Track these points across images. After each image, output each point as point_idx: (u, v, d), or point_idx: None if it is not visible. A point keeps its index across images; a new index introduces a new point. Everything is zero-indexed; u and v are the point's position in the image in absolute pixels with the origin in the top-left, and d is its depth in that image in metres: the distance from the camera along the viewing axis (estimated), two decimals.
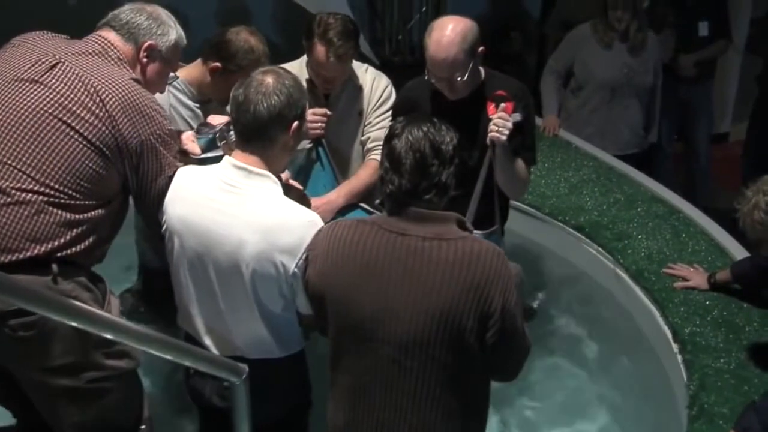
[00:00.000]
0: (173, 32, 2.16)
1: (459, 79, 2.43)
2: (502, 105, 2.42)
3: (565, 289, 3.23)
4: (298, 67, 2.82)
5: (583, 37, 3.95)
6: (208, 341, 2.09)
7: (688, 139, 4.84)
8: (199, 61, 2.67)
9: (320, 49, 2.67)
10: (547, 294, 3.18)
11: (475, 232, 2.48)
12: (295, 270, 1.92)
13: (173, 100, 2.66)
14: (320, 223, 1.96)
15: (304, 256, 1.91)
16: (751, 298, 2.69)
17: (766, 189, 2.11)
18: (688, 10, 4.51)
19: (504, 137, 2.39)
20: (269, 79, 1.97)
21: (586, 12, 4.10)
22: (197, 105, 2.69)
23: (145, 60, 2.11)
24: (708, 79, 4.76)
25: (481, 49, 2.47)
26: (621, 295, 2.96)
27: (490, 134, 2.40)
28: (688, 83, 4.58)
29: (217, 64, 2.54)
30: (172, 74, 2.64)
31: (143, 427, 2.21)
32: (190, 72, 2.69)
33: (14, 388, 2.09)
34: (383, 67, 3.79)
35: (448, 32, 2.40)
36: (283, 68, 2.10)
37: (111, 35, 2.08)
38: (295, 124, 1.99)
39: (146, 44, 2.09)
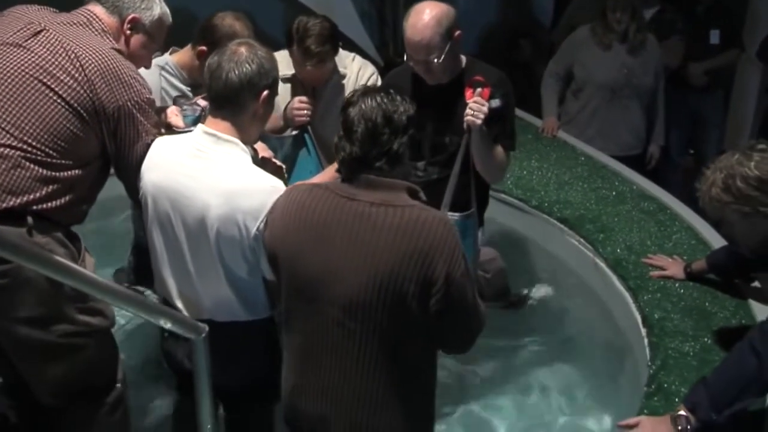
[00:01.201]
0: (157, 8, 2.28)
1: (435, 61, 2.51)
2: (479, 90, 2.48)
3: (544, 275, 3.28)
4: (287, 56, 2.94)
5: (583, 39, 4.00)
6: (179, 304, 2.18)
7: (698, 150, 4.82)
8: (189, 45, 2.81)
9: (299, 56, 2.81)
10: (526, 279, 3.23)
11: (452, 214, 2.57)
12: (257, 233, 1.99)
13: (164, 83, 2.79)
14: (283, 189, 2.03)
15: (264, 220, 1.98)
16: (726, 287, 2.69)
17: (722, 167, 2.12)
18: (699, 18, 4.52)
19: (479, 121, 2.45)
20: (242, 49, 2.07)
21: (593, 20, 4.14)
22: (189, 88, 2.82)
23: (128, 32, 2.23)
24: (719, 89, 4.75)
25: (457, 33, 2.55)
26: (598, 282, 3.00)
27: (466, 118, 2.46)
28: (699, 93, 4.58)
29: (204, 48, 2.66)
30: (163, 58, 2.80)
31: (118, 385, 2.29)
32: (181, 56, 2.83)
33: None
34: (387, 67, 3.91)
35: (424, 16, 2.49)
36: (258, 42, 2.20)
37: (97, 8, 2.21)
38: (266, 93, 2.07)
39: (130, 17, 2.22)
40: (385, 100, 1.85)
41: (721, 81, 4.73)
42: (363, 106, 1.84)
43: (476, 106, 2.44)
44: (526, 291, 3.17)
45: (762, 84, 5.46)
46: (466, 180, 2.58)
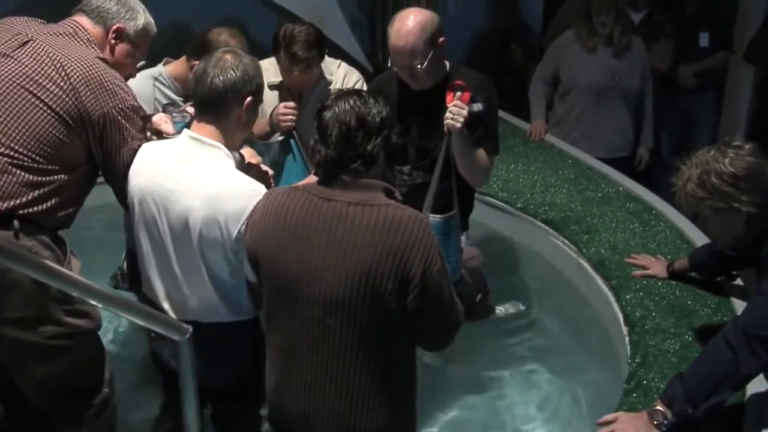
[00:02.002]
0: (141, 18, 2.33)
1: (418, 67, 2.54)
2: (458, 93, 2.51)
3: (528, 276, 3.32)
4: (274, 63, 2.99)
5: (568, 43, 4.05)
6: (166, 305, 2.22)
7: (689, 152, 4.82)
8: (184, 57, 2.86)
9: (285, 62, 2.86)
10: (510, 280, 3.26)
11: (433, 216, 2.61)
12: (238, 235, 2.03)
13: (158, 93, 2.84)
14: (264, 192, 2.06)
15: (245, 223, 2.01)
16: (708, 285, 2.72)
17: (697, 162, 2.16)
18: (689, 21, 4.56)
19: (459, 124, 2.48)
20: (228, 56, 2.12)
21: None
22: (182, 99, 2.86)
23: (113, 42, 2.28)
24: (709, 90, 4.78)
25: (441, 40, 2.58)
26: (582, 282, 3.04)
27: (446, 121, 2.50)
28: (689, 95, 4.61)
29: (198, 62, 2.71)
30: (156, 69, 2.85)
31: (105, 386, 2.33)
32: (175, 68, 2.88)
33: None
34: (376, 73, 3.97)
35: (408, 22, 2.53)
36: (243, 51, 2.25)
37: (83, 19, 2.26)
38: (249, 99, 2.12)
39: (114, 27, 2.26)
40: (358, 103, 1.88)
41: (711, 83, 4.76)
42: (337, 109, 1.88)
43: (456, 110, 2.48)
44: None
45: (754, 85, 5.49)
46: (449, 184, 2.62)
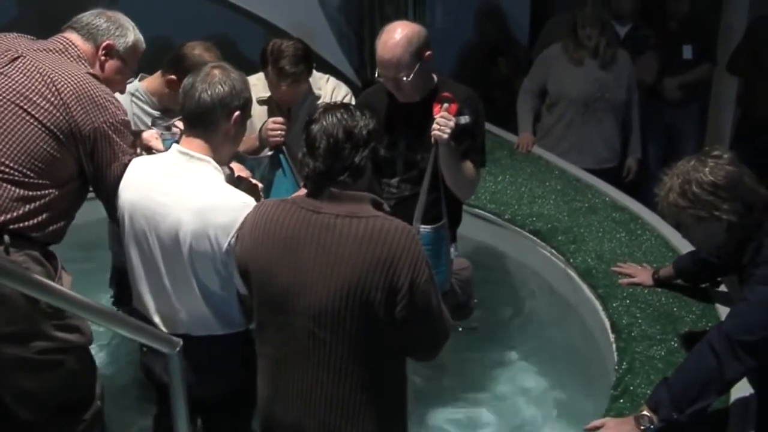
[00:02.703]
0: (131, 35, 2.36)
1: (404, 79, 2.58)
2: (445, 105, 2.56)
3: (516, 286, 3.34)
4: (263, 78, 3.02)
5: (555, 56, 4.10)
6: (157, 319, 2.23)
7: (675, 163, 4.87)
8: (159, 72, 2.87)
9: (273, 77, 2.89)
10: (499, 291, 3.29)
11: (423, 226, 2.64)
12: (228, 248, 2.05)
13: (135, 108, 2.85)
14: (253, 205, 2.08)
15: (235, 235, 2.04)
16: (692, 292, 2.75)
17: (678, 172, 2.20)
18: (673, 34, 4.63)
19: (446, 135, 2.52)
20: (216, 71, 2.15)
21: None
22: (159, 114, 2.87)
23: (103, 58, 2.30)
24: (694, 102, 4.84)
25: (428, 53, 2.62)
26: (569, 291, 3.07)
27: (433, 132, 2.53)
28: (674, 107, 4.67)
29: (173, 77, 2.71)
30: (133, 84, 2.87)
31: (96, 401, 2.33)
32: (151, 83, 2.88)
33: None
34: (365, 86, 4.00)
35: (395, 35, 2.57)
36: (231, 66, 2.28)
37: (73, 36, 2.29)
38: (237, 113, 2.15)
39: (105, 44, 2.29)
40: (346, 116, 1.92)
41: (695, 94, 4.82)
42: (324, 122, 1.91)
43: (443, 121, 2.52)
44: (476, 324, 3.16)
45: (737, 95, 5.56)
46: (437, 195, 2.65)
